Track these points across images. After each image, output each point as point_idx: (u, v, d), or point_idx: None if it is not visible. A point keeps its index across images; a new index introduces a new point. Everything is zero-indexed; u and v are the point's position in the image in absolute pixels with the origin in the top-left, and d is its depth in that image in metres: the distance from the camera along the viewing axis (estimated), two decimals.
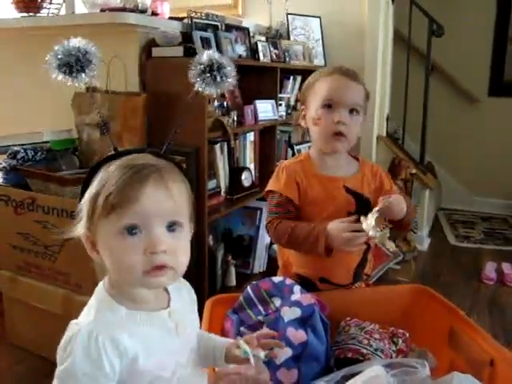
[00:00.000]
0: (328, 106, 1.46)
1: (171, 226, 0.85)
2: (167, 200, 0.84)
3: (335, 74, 1.48)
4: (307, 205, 1.50)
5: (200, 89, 1.02)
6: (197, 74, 1.02)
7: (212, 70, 1.00)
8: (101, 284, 0.91)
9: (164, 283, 0.89)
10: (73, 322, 0.85)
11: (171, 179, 0.85)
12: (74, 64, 0.89)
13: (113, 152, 0.89)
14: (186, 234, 0.89)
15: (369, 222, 1.30)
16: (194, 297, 1.04)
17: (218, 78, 1.02)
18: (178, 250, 0.86)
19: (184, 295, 1.00)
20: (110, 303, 0.87)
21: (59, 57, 0.88)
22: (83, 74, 0.91)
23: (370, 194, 1.52)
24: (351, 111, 1.45)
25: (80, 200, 0.88)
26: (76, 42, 0.91)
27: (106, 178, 0.84)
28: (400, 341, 1.30)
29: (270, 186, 1.54)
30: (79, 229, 0.88)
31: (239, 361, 0.99)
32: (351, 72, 1.49)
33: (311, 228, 1.41)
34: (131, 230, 0.82)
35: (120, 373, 0.82)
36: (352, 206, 1.48)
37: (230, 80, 1.06)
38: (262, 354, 0.96)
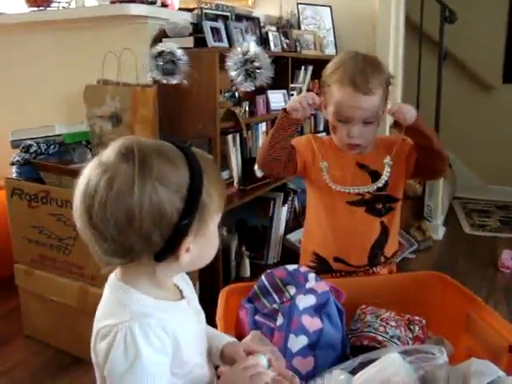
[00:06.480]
0: (341, 120, 1.46)
1: None
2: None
3: (348, 87, 1.40)
4: (322, 169, 1.51)
5: (238, 83, 0.96)
6: (235, 66, 0.92)
7: (246, 64, 0.93)
8: (114, 279, 0.87)
9: None
10: (107, 325, 0.81)
11: None
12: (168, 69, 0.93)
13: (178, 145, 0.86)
14: None
15: None
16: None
17: (251, 73, 0.94)
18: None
19: (191, 287, 0.99)
20: (136, 295, 0.84)
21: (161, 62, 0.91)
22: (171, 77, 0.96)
23: (390, 159, 1.48)
24: (365, 123, 1.44)
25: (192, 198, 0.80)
26: (171, 47, 0.92)
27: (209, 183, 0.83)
28: (417, 328, 1.29)
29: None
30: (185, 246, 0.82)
31: (233, 362, 0.95)
32: (364, 83, 1.39)
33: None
34: None
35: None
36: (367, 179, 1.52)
37: (267, 73, 0.97)
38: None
